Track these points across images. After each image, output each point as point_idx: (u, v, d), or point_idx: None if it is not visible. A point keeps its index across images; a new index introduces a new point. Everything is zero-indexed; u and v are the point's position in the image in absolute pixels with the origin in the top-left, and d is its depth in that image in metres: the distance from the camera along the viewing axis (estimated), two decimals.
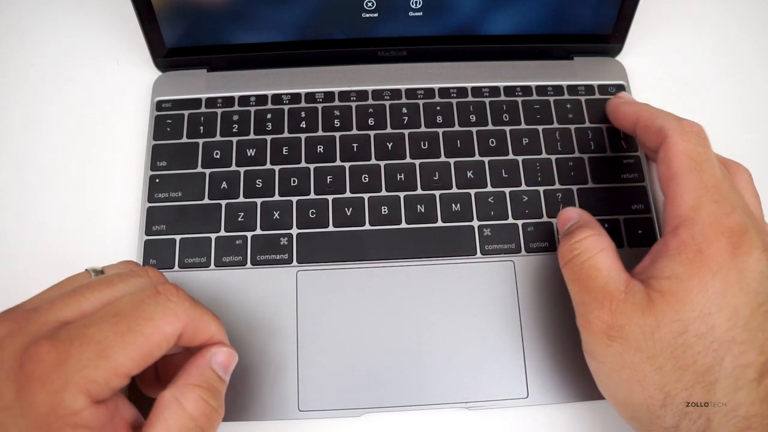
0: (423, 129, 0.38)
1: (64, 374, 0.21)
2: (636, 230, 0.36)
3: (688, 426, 0.24)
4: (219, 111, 0.38)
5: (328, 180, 0.36)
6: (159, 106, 0.38)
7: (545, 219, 0.36)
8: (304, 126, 0.38)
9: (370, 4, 0.36)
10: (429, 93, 0.39)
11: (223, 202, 0.35)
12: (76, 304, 0.24)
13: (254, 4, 0.36)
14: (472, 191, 0.36)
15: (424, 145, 0.37)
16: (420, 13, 0.37)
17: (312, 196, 0.36)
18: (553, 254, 0.35)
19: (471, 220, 0.35)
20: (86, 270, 0.27)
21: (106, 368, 0.22)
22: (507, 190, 0.36)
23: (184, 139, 0.37)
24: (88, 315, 0.23)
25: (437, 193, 0.36)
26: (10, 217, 0.36)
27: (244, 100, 0.38)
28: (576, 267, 0.28)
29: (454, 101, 0.39)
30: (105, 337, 0.22)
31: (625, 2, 0.37)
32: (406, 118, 0.38)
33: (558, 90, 0.39)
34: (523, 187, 0.36)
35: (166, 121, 0.38)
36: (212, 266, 0.34)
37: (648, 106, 0.32)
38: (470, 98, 0.39)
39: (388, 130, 0.38)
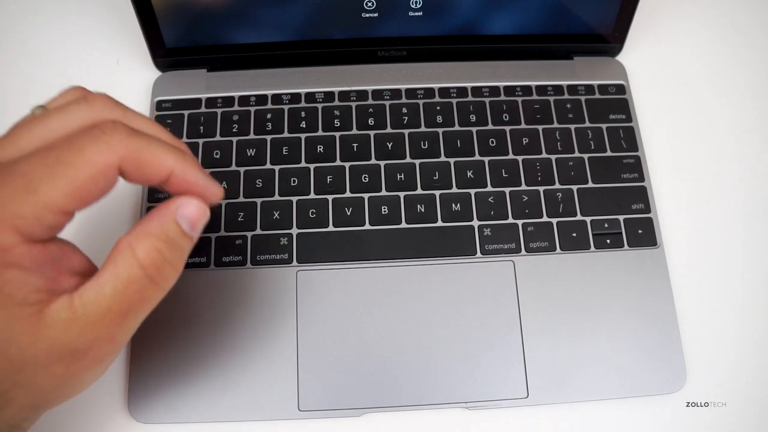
0: (423, 129, 0.38)
1: None
2: (636, 230, 0.36)
3: None
4: (219, 111, 0.38)
5: (328, 180, 0.36)
6: (159, 106, 0.38)
7: (545, 219, 0.36)
8: (304, 126, 0.38)
9: (370, 4, 0.36)
10: (429, 93, 0.39)
11: (224, 202, 0.35)
12: (11, 144, 0.22)
13: (254, 4, 0.36)
14: (472, 191, 0.36)
15: (424, 145, 0.37)
16: (420, 13, 0.37)
17: (312, 196, 0.36)
18: (553, 254, 0.35)
19: (471, 220, 0.35)
20: (31, 108, 0.25)
21: (34, 202, 0.20)
22: (507, 190, 0.36)
23: (184, 139, 0.37)
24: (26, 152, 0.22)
25: (437, 193, 0.36)
26: None
27: (244, 100, 0.38)
28: None
29: (454, 101, 0.39)
30: (32, 170, 0.21)
31: (625, 2, 0.37)
32: (406, 118, 0.38)
33: (558, 90, 0.39)
34: (523, 187, 0.36)
35: (166, 121, 0.38)
36: (212, 266, 0.34)
37: None
38: (470, 98, 0.39)
39: (388, 130, 0.38)
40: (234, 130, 0.37)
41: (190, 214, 0.24)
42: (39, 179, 0.21)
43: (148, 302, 0.23)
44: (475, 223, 0.35)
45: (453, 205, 0.36)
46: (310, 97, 0.39)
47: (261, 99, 0.38)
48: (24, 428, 0.24)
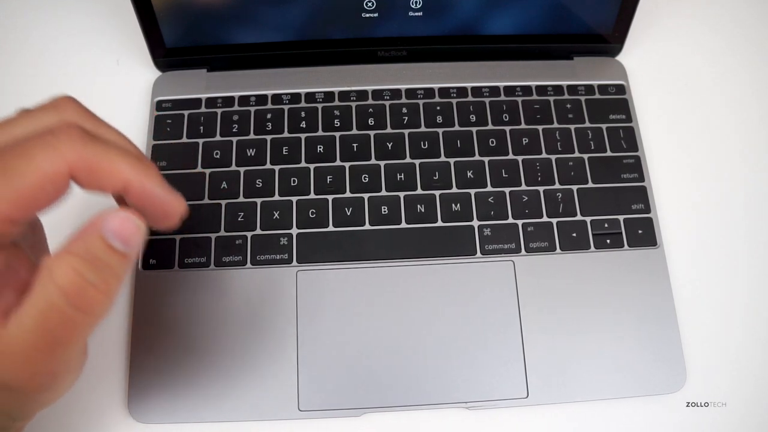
0: (423, 129, 0.38)
1: None
2: (636, 230, 0.35)
3: None
4: (219, 111, 0.38)
5: (328, 180, 0.36)
6: (159, 106, 0.38)
7: (545, 219, 0.36)
8: (304, 126, 0.38)
9: (370, 4, 0.36)
10: (429, 93, 0.39)
11: (223, 202, 0.35)
12: None
13: (254, 4, 0.36)
14: (472, 191, 0.36)
15: (424, 145, 0.37)
16: (420, 13, 0.37)
17: (312, 196, 0.36)
18: (553, 254, 0.35)
19: (471, 220, 0.35)
20: (15, 111, 0.24)
21: None
22: (507, 190, 0.36)
23: (184, 139, 0.37)
24: None
25: (437, 193, 0.36)
26: None
27: (244, 100, 0.38)
28: None
29: (454, 101, 0.39)
30: None
31: (625, 2, 0.37)
32: (406, 118, 0.38)
33: (558, 90, 0.39)
34: (523, 187, 0.36)
35: (166, 121, 0.38)
36: (212, 266, 0.34)
37: None
38: (470, 98, 0.39)
39: (388, 130, 0.38)
40: (234, 130, 0.37)
41: (117, 227, 0.21)
42: None
43: (76, 331, 0.20)
44: (475, 223, 0.35)
45: (453, 205, 0.36)
46: (310, 97, 0.39)
47: (261, 99, 0.38)
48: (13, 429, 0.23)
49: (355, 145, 0.37)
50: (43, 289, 0.20)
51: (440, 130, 0.38)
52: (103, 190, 0.22)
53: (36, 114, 0.22)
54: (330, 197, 0.36)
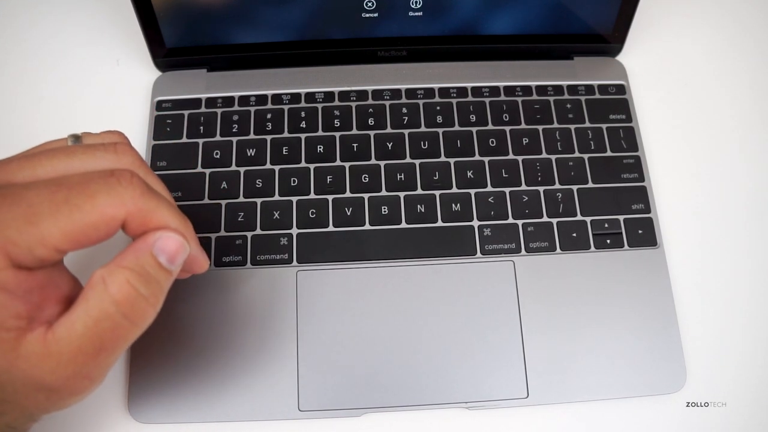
0: (423, 129, 0.38)
1: None
2: (636, 230, 0.35)
3: None
4: (219, 111, 0.38)
5: (328, 180, 0.36)
6: (159, 106, 0.38)
7: (545, 219, 0.36)
8: (304, 126, 0.38)
9: (370, 4, 0.36)
10: (429, 93, 0.39)
11: (223, 202, 0.35)
12: (30, 169, 0.22)
13: (254, 4, 0.36)
14: (472, 191, 0.36)
15: (424, 145, 0.37)
16: (420, 13, 0.37)
17: (312, 196, 0.36)
18: (553, 254, 0.35)
19: (471, 220, 0.35)
20: (68, 135, 0.26)
21: (31, 233, 0.20)
22: (507, 190, 0.36)
23: (184, 139, 0.37)
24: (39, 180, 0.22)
25: (437, 193, 0.36)
26: None
27: (244, 100, 0.38)
28: None
29: (454, 101, 0.39)
30: (39, 202, 0.21)
31: (625, 2, 0.37)
32: (406, 118, 0.38)
33: (558, 90, 0.39)
34: (523, 187, 0.36)
35: (166, 121, 0.38)
36: (212, 266, 0.34)
37: None
38: (470, 98, 0.39)
39: (388, 130, 0.38)
40: (234, 130, 0.37)
41: (168, 247, 0.23)
42: (41, 213, 0.20)
43: (122, 339, 0.22)
44: (475, 223, 0.35)
45: (453, 205, 0.36)
46: (310, 97, 0.39)
47: (261, 99, 0.38)
48: (18, 428, 0.24)
49: (355, 145, 0.37)
50: (98, 298, 0.21)
51: (440, 130, 0.38)
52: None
53: (95, 152, 0.23)
54: (330, 197, 0.36)
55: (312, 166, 0.37)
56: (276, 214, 0.35)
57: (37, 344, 0.21)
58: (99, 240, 0.22)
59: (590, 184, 0.37)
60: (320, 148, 0.37)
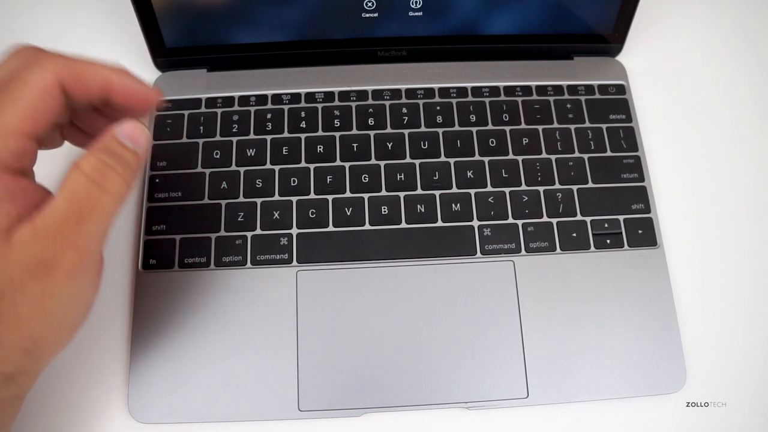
0: (423, 129, 0.38)
1: None
2: (636, 230, 0.35)
3: None
4: (219, 111, 0.38)
5: (328, 180, 0.36)
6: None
7: (545, 219, 0.36)
8: (304, 126, 0.38)
9: (370, 4, 0.36)
10: (429, 93, 0.39)
11: (223, 202, 0.35)
12: None
13: (254, 4, 0.36)
14: (472, 191, 0.36)
15: (424, 145, 0.37)
16: (420, 13, 0.37)
17: (312, 196, 0.36)
18: (553, 254, 0.35)
19: (471, 220, 0.35)
20: None
21: None
22: (507, 190, 0.36)
23: (184, 139, 0.37)
24: None
25: (437, 193, 0.36)
26: None
27: (244, 100, 0.38)
28: None
29: (454, 101, 0.39)
30: None
31: (625, 2, 0.37)
32: (406, 118, 0.38)
33: (558, 90, 0.39)
34: (523, 187, 0.36)
35: (166, 121, 0.38)
36: (212, 266, 0.34)
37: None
38: (470, 98, 0.39)
39: (388, 130, 0.38)
40: (234, 130, 0.37)
41: (128, 130, 0.26)
42: None
43: (98, 207, 0.24)
44: (475, 223, 0.35)
45: (453, 205, 0.36)
46: (310, 97, 0.39)
47: (261, 99, 0.38)
48: (20, 383, 0.25)
49: (355, 145, 0.37)
50: (72, 176, 0.24)
51: (440, 130, 0.38)
52: (91, 94, 0.26)
53: (7, 60, 0.26)
54: (330, 197, 0.36)
55: (312, 166, 0.37)
56: (276, 214, 0.35)
57: (26, 230, 0.23)
58: (52, 112, 0.25)
59: (590, 184, 0.37)
60: (320, 148, 0.37)
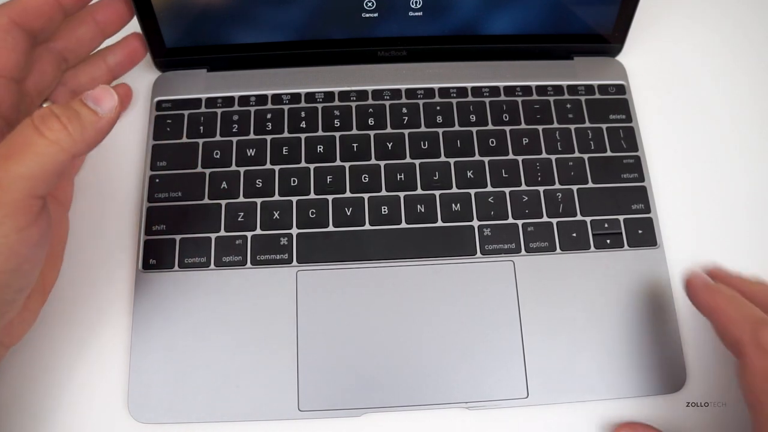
0: (423, 129, 0.38)
1: None
2: (636, 230, 0.35)
3: None
4: (219, 111, 0.38)
5: (328, 180, 0.36)
6: (159, 106, 0.38)
7: (545, 219, 0.36)
8: (304, 126, 0.38)
9: (370, 4, 0.36)
10: (429, 93, 0.39)
11: (223, 202, 0.35)
12: None
13: (254, 4, 0.36)
14: (472, 191, 0.36)
15: (424, 145, 0.37)
16: (420, 13, 0.37)
17: (312, 196, 0.36)
18: (553, 254, 0.35)
19: (471, 220, 0.35)
20: None
21: None
22: (507, 190, 0.36)
23: (184, 139, 0.37)
24: None
25: (437, 193, 0.36)
26: None
27: (244, 100, 0.38)
28: None
29: (454, 101, 0.39)
30: None
31: (625, 2, 0.37)
32: (406, 118, 0.38)
33: (558, 90, 0.39)
34: (523, 187, 0.36)
35: (166, 121, 0.38)
36: (212, 266, 0.34)
37: (724, 297, 0.29)
38: (470, 98, 0.39)
39: (388, 130, 0.38)
40: (234, 130, 0.37)
41: (94, 93, 0.26)
42: None
43: (30, 148, 0.24)
44: (475, 223, 0.35)
45: (453, 205, 0.36)
46: (310, 97, 0.39)
47: (261, 99, 0.38)
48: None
49: (355, 145, 0.37)
50: (20, 123, 0.25)
51: (440, 130, 0.38)
52: (44, 20, 0.30)
53: None
54: (330, 197, 0.36)
55: (312, 166, 0.37)
56: (276, 214, 0.35)
57: None
58: (21, 47, 0.29)
59: (590, 184, 0.37)
60: (320, 148, 0.37)
